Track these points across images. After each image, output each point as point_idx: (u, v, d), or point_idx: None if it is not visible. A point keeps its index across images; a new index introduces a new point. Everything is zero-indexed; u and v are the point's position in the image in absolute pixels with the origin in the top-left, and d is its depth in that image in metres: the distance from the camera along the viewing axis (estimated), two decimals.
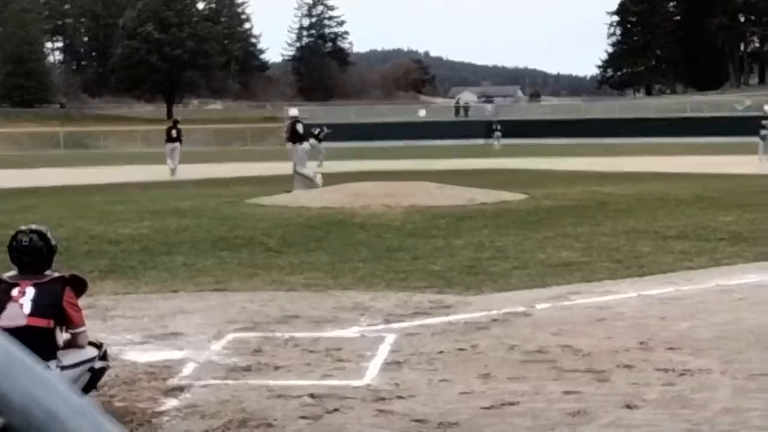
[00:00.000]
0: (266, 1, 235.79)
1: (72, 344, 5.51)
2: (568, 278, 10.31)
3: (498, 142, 59.74)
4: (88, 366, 5.53)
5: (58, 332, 5.39)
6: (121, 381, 6.44)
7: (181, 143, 34.62)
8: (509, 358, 6.95)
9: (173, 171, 32.78)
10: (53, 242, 5.62)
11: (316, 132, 38.40)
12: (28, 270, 5.46)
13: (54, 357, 5.30)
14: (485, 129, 75.34)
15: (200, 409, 5.85)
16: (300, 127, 24.61)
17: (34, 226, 5.68)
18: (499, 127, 62.98)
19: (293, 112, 25.82)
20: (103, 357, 5.68)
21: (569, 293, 9.43)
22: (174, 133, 34.50)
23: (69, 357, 5.43)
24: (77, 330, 5.50)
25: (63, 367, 5.33)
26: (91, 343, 5.66)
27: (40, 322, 5.29)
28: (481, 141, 69.88)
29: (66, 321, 5.44)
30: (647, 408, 5.69)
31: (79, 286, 5.61)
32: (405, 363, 6.85)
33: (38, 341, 5.06)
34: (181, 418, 5.72)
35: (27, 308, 5.31)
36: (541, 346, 7.24)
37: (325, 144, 39.36)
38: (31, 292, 5.35)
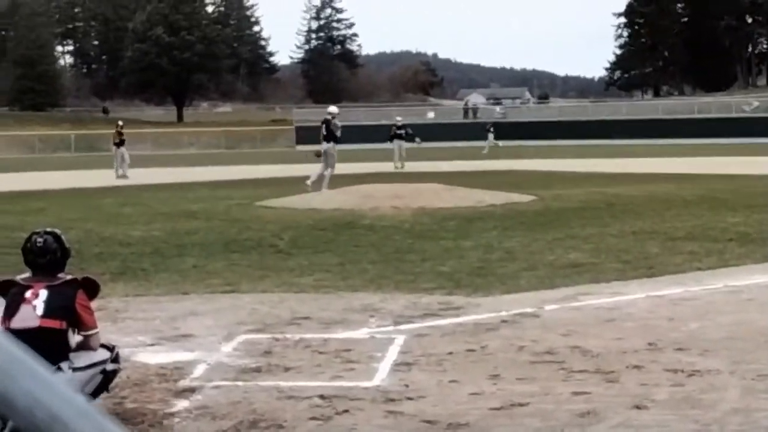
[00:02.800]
0: (275, 4, 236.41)
1: (84, 346, 5.55)
2: (577, 279, 10.32)
3: (489, 144, 58.82)
4: (100, 368, 5.56)
5: (70, 334, 5.43)
6: (132, 382, 6.48)
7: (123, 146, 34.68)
8: (518, 359, 6.97)
9: (125, 176, 32.75)
10: (67, 245, 5.66)
11: (403, 132, 38.04)
12: (41, 272, 5.50)
13: (66, 359, 5.34)
14: (494, 130, 75.31)
15: (211, 410, 5.88)
16: (335, 126, 23.62)
17: (48, 228, 5.74)
18: (490, 128, 62.39)
19: (331, 109, 24.80)
20: (115, 360, 5.71)
21: (578, 294, 9.44)
22: (122, 137, 34.56)
23: (81, 359, 5.47)
24: (89, 332, 5.53)
25: (75, 369, 5.37)
26: (103, 346, 5.69)
27: (53, 324, 5.33)
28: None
29: (78, 323, 5.47)
30: (656, 408, 5.70)
31: (92, 288, 5.65)
32: (414, 364, 6.87)
33: (51, 343, 5.11)
34: (192, 419, 5.76)
35: (39, 310, 5.35)
36: (550, 347, 7.26)
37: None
38: (44, 294, 5.39)
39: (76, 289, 5.48)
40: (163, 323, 8.49)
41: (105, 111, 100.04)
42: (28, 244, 5.57)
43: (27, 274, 5.57)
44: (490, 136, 59.22)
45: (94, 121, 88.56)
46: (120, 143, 34.66)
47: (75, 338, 5.49)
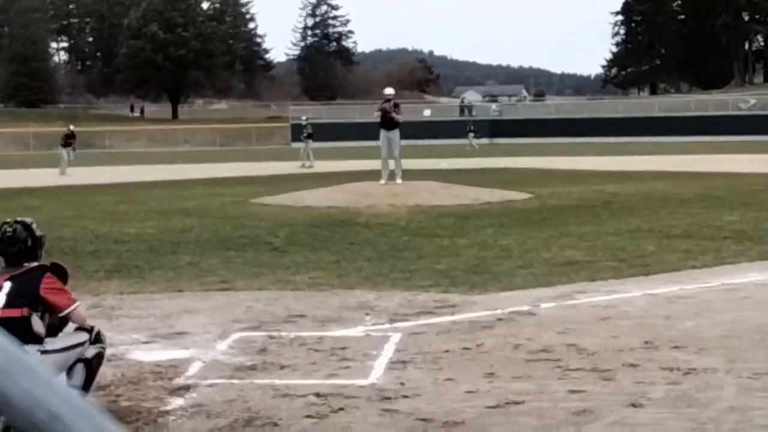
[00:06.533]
0: (271, 1, 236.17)
1: (62, 326, 5.47)
2: (573, 277, 10.31)
3: (472, 141, 59.65)
4: (76, 351, 5.45)
5: (35, 319, 5.33)
6: (127, 380, 6.46)
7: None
8: (514, 357, 6.95)
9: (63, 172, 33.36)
10: (39, 233, 5.61)
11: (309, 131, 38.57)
12: (13, 261, 5.48)
13: (32, 342, 5.22)
14: (490, 128, 75.38)
15: (206, 408, 5.87)
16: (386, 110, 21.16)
17: (19, 218, 5.70)
18: (472, 127, 63.05)
19: (387, 91, 21.82)
20: (96, 340, 5.59)
21: (574, 292, 9.43)
22: (69, 140, 35.38)
23: (55, 343, 5.40)
24: (66, 311, 5.43)
25: (44, 352, 5.27)
26: (83, 329, 5.61)
27: (13, 313, 5.26)
28: (486, 140, 69.85)
29: (49, 308, 5.38)
30: (652, 407, 5.69)
31: (60, 274, 5.56)
32: (410, 362, 6.86)
33: (12, 332, 5.04)
34: (187, 417, 5.74)
35: (1, 302, 5.31)
36: (546, 345, 7.25)
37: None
38: (7, 286, 5.36)
39: (41, 275, 5.41)
40: (158, 321, 8.47)
41: (135, 110, 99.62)
42: None
43: None
44: (471, 135, 60.09)
45: (89, 118, 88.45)
46: (65, 144, 35.20)
47: (41, 323, 5.36)
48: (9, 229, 5.52)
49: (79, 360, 5.48)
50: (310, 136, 38.59)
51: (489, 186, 22.45)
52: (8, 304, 5.30)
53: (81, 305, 5.61)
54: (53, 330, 5.48)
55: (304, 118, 41.95)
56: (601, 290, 9.57)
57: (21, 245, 5.48)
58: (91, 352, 5.53)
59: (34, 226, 5.61)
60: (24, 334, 5.19)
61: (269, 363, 6.90)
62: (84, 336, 5.55)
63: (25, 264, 5.47)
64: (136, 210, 19.27)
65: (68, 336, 5.50)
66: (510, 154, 45.97)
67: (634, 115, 75.06)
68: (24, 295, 5.32)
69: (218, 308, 8.98)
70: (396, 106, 21.49)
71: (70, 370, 5.43)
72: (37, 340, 5.27)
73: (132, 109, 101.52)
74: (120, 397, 6.08)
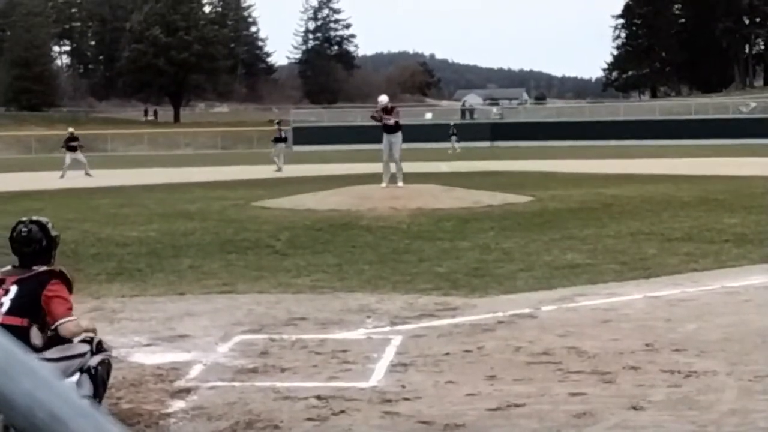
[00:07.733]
0: (272, 5, 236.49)
1: (59, 336, 5.34)
2: (574, 280, 10.31)
3: (454, 145, 59.65)
4: (76, 361, 5.35)
5: (34, 331, 5.26)
6: (128, 383, 6.47)
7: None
8: (515, 359, 6.96)
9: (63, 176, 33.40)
10: (54, 233, 5.54)
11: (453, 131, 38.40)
12: (26, 262, 5.41)
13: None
14: (491, 131, 75.36)
15: (207, 410, 5.87)
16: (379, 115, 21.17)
17: (35, 217, 5.62)
18: (455, 130, 62.98)
19: (381, 99, 21.94)
20: (98, 350, 5.49)
21: (575, 295, 9.44)
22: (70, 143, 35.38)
23: (53, 352, 5.29)
24: (61, 321, 5.25)
25: (44, 360, 5.12)
26: (84, 341, 5.51)
27: (15, 321, 5.19)
28: (487, 143, 69.88)
29: (47, 314, 5.26)
30: (653, 409, 5.69)
31: (66, 282, 5.45)
32: (411, 365, 6.86)
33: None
34: (188, 419, 5.75)
35: (5, 307, 5.25)
36: (547, 347, 7.25)
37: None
38: (13, 290, 5.29)
39: (46, 281, 5.32)
40: (160, 324, 8.48)
41: (149, 114, 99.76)
42: (13, 233, 5.48)
43: (8, 267, 5.50)
44: (454, 138, 60.13)
45: (91, 122, 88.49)
46: (68, 148, 35.27)
47: (39, 336, 5.28)
48: (24, 229, 5.45)
49: (82, 371, 5.38)
50: (281, 140, 38.66)
51: (490, 189, 22.45)
52: (10, 311, 5.24)
53: (77, 321, 5.38)
54: (52, 344, 5.38)
55: (276, 121, 42.12)
56: (601, 293, 9.58)
57: (36, 245, 5.42)
58: (94, 360, 5.44)
59: (49, 225, 5.54)
60: (20, 344, 5.12)
61: (270, 366, 6.91)
62: (84, 347, 5.45)
63: (35, 267, 5.40)
64: (138, 213, 19.28)
65: (68, 346, 5.42)
66: (511, 157, 45.96)
67: (634, 118, 75.03)
68: (28, 303, 5.25)
69: (219, 311, 8.99)
70: (390, 110, 21.55)
71: (78, 383, 5.33)
72: (33, 351, 5.15)
73: (146, 113, 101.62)
74: (121, 400, 6.09)
